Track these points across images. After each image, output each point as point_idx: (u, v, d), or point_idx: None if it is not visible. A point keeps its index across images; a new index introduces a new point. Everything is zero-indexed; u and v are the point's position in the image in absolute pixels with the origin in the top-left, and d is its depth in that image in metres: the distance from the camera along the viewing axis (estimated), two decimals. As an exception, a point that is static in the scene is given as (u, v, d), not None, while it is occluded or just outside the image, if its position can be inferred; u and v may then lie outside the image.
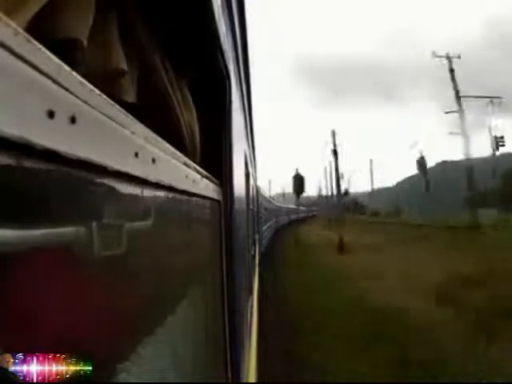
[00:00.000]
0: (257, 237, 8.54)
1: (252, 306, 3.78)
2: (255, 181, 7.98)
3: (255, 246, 7.15)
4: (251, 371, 2.43)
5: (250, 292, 3.84)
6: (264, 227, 17.04)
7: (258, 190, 10.30)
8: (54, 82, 0.33)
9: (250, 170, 4.48)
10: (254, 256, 6.00)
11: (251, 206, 5.01)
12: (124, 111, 0.48)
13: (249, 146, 4.35)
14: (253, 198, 5.85)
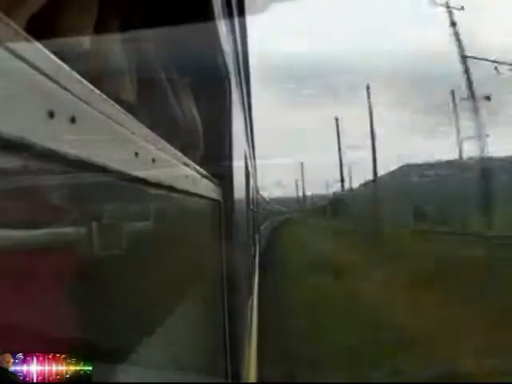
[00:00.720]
0: (257, 237, 8.54)
1: (252, 306, 3.78)
2: (255, 181, 7.98)
3: (255, 246, 7.15)
4: (251, 371, 2.43)
5: (250, 292, 3.84)
6: (262, 227, 16.62)
7: (257, 190, 10.30)
8: (54, 82, 0.33)
9: (250, 170, 4.49)
10: (253, 256, 6.00)
11: (251, 206, 5.01)
12: (124, 111, 0.48)
13: (249, 145, 4.35)
14: (252, 198, 5.85)
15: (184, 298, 0.86)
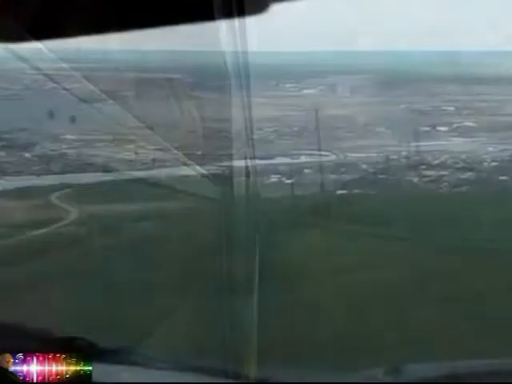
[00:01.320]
0: (257, 237, 8.52)
1: (252, 306, 3.78)
2: (255, 180, 7.98)
3: (255, 246, 7.14)
4: (251, 370, 2.43)
5: (250, 292, 3.84)
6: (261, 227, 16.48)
7: (258, 189, 10.29)
8: (54, 82, 0.33)
9: (250, 169, 4.49)
10: (253, 256, 6.00)
11: (251, 206, 5.01)
12: (124, 111, 0.48)
13: (249, 145, 4.35)
14: (252, 197, 5.85)
15: (184, 298, 0.86)
